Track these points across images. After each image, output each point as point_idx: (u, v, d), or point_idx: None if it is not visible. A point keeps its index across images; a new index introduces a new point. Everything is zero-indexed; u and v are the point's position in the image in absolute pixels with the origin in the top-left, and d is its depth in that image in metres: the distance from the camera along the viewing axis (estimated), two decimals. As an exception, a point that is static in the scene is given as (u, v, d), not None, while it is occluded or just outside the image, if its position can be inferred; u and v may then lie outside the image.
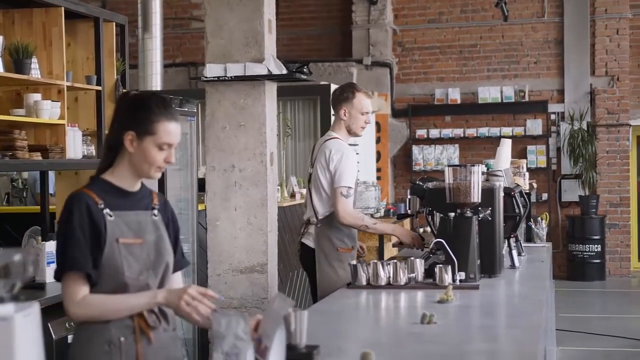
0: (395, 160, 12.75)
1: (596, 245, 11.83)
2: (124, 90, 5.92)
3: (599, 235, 11.87)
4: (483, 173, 4.79)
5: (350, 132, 5.05)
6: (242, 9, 4.94)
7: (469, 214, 4.19)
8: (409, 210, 5.10)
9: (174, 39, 13.01)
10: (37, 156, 5.11)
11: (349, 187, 4.86)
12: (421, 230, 5.45)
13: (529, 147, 12.24)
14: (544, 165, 12.24)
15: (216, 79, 4.91)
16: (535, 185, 9.23)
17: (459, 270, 4.06)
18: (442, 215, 4.33)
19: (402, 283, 4.04)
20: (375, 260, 4.12)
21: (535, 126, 12.23)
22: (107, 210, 2.72)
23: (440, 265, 4.04)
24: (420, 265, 4.14)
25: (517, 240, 5.05)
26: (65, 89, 5.40)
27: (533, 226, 6.28)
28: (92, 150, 5.68)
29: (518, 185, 5.57)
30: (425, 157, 12.53)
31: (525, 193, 5.62)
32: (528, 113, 12.33)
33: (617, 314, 9.72)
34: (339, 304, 3.81)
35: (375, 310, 3.86)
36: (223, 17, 4.95)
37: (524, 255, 5.23)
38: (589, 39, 12.23)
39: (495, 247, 4.38)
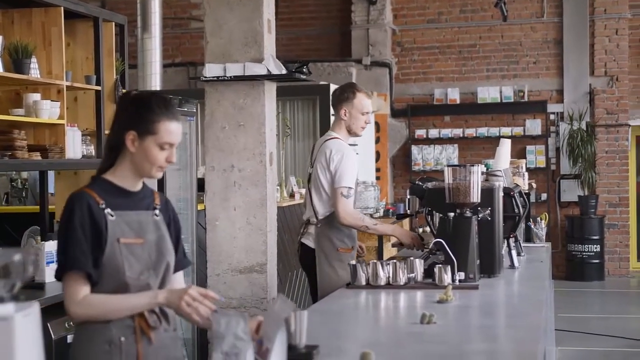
0: (394, 160, 12.75)
1: (595, 246, 11.83)
2: (124, 91, 5.93)
3: (598, 235, 11.87)
4: (482, 173, 4.79)
5: (351, 132, 5.05)
6: (241, 8, 4.94)
7: (468, 214, 4.19)
8: (408, 210, 5.09)
9: (173, 39, 13.01)
10: (37, 156, 5.11)
11: (349, 188, 4.86)
12: (420, 230, 5.45)
13: (528, 147, 12.24)
14: (543, 165, 12.24)
15: (215, 78, 4.91)
16: (534, 185, 9.23)
17: (458, 270, 4.06)
18: (441, 215, 4.33)
19: (402, 283, 4.04)
20: (375, 260, 4.12)
21: (534, 126, 12.23)
22: (108, 210, 2.72)
23: (440, 265, 4.04)
24: (419, 265, 4.14)
25: (516, 240, 5.05)
26: (65, 89, 5.40)
27: (532, 226, 6.28)
28: (92, 150, 5.68)
29: (517, 185, 5.57)
30: (424, 157, 12.53)
31: (525, 193, 5.62)
32: (527, 113, 12.33)
33: (616, 314, 9.72)
34: (339, 304, 3.81)
35: (374, 310, 3.86)
36: (222, 17, 4.95)
37: (524, 255, 5.23)
38: (588, 39, 12.24)
39: (495, 247, 4.38)
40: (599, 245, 11.85)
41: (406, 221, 9.62)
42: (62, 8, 5.38)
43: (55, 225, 5.55)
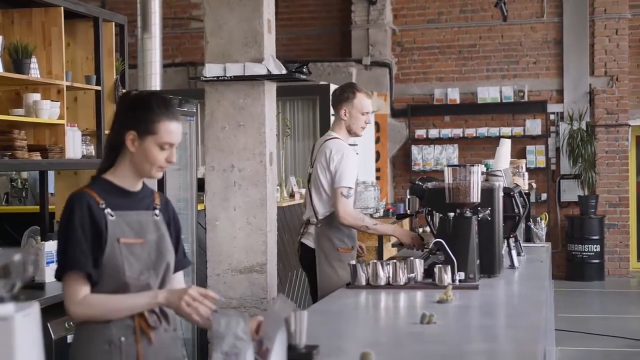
0: (394, 160, 12.75)
1: (595, 246, 11.83)
2: (124, 91, 5.93)
3: (598, 235, 11.87)
4: (482, 173, 4.79)
5: (351, 132, 5.05)
6: (241, 8, 4.94)
7: (468, 214, 4.19)
8: (408, 210, 5.09)
9: (173, 39, 13.01)
10: (37, 156, 5.11)
11: (349, 188, 4.86)
12: (420, 230, 5.45)
13: (528, 147, 12.24)
14: (543, 165, 12.24)
15: (215, 78, 4.91)
16: (534, 185, 9.23)
17: (458, 270, 4.06)
18: (441, 215, 4.33)
19: (402, 283, 4.04)
20: (375, 260, 4.12)
21: (534, 126, 12.23)
22: (108, 210, 2.72)
23: (440, 265, 4.04)
24: (419, 265, 4.14)
25: (516, 240, 5.05)
26: (65, 89, 5.40)
27: (532, 226, 6.28)
28: (92, 150, 5.68)
29: (517, 185, 5.57)
30: (424, 157, 12.53)
31: (525, 193, 5.62)
32: (527, 113, 12.33)
33: (616, 314, 9.72)
34: (339, 304, 3.81)
35: (374, 310, 3.86)
36: (222, 17, 4.95)
37: (524, 255, 5.23)
38: (588, 39, 12.24)
39: (495, 247, 4.38)
40: (599, 245, 11.85)
41: (406, 221, 9.62)
42: (62, 8, 5.38)
43: (55, 225, 5.55)
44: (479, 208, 4.26)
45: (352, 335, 3.23)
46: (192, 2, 13.15)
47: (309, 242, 5.00)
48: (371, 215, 8.51)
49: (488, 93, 12.37)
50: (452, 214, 4.19)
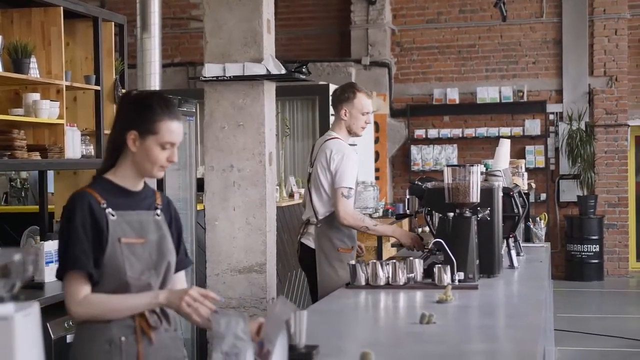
0: (393, 160, 12.75)
1: (594, 246, 11.84)
2: (123, 91, 5.93)
3: (597, 235, 11.88)
4: (482, 173, 4.79)
5: (351, 132, 5.03)
6: (241, 8, 4.94)
7: (467, 214, 4.19)
8: (407, 210, 5.09)
9: (173, 39, 13.01)
10: (36, 156, 5.11)
11: (349, 188, 4.84)
12: (419, 230, 5.45)
13: (528, 147, 12.25)
14: (542, 165, 12.24)
15: (215, 78, 4.91)
16: (533, 185, 9.24)
17: (457, 270, 4.06)
18: (441, 215, 4.32)
19: (401, 283, 4.04)
20: (374, 260, 4.12)
21: (533, 126, 12.23)
22: (109, 210, 2.72)
23: (439, 265, 4.04)
24: (419, 265, 4.14)
25: (515, 240, 5.05)
26: (64, 89, 5.40)
27: (532, 226, 6.28)
28: (91, 150, 5.68)
29: (517, 185, 5.57)
30: (423, 157, 12.53)
31: (524, 193, 5.62)
32: (526, 113, 12.34)
33: (615, 314, 9.72)
34: (338, 304, 3.81)
35: (374, 310, 3.86)
36: (222, 17, 4.95)
37: (523, 256, 5.23)
38: (587, 39, 12.24)
39: (494, 247, 4.38)
40: (598, 245, 11.86)
41: (405, 221, 9.63)
42: (62, 8, 5.38)
43: (55, 225, 5.55)
44: (479, 208, 4.26)
45: (352, 335, 3.23)
46: (192, 2, 13.14)
47: (309, 242, 4.98)
48: (370, 216, 8.51)
49: (487, 93, 12.37)
50: (451, 214, 4.19)
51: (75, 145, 5.45)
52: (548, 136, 12.28)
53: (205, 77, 4.93)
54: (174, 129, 2.75)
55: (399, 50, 12.75)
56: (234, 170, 4.98)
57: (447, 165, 4.27)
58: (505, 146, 5.67)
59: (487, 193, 4.34)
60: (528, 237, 6.30)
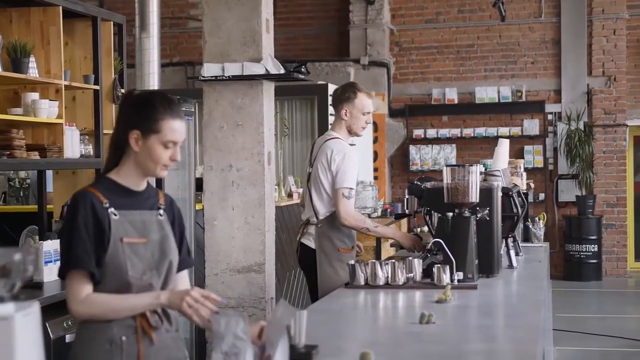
0: (392, 160, 12.75)
1: (593, 246, 11.84)
2: (122, 90, 5.93)
3: (595, 235, 11.88)
4: (481, 173, 4.79)
5: (351, 132, 5.01)
6: (239, 8, 4.94)
7: (467, 213, 4.19)
8: (406, 210, 5.09)
9: (171, 39, 13.00)
10: (35, 155, 5.11)
11: (350, 188, 4.82)
12: (418, 230, 5.45)
13: (526, 147, 12.25)
14: (540, 165, 12.25)
15: (214, 78, 4.91)
16: (532, 185, 9.25)
17: (457, 270, 4.06)
18: (440, 215, 4.32)
19: (400, 283, 4.04)
20: (374, 260, 4.12)
21: (532, 126, 12.24)
22: (111, 210, 2.72)
23: (439, 265, 4.04)
24: (418, 265, 4.14)
25: (514, 240, 5.06)
26: (63, 88, 5.40)
27: (530, 226, 6.29)
28: (90, 149, 5.67)
29: (516, 185, 5.57)
30: (422, 157, 12.53)
31: (523, 193, 5.63)
32: (525, 113, 12.34)
33: (613, 314, 9.73)
34: (338, 303, 3.81)
35: (373, 310, 3.86)
36: (221, 17, 4.95)
37: (522, 255, 5.23)
38: (586, 39, 12.25)
39: (493, 247, 4.38)
40: (596, 245, 11.87)
41: (404, 221, 9.62)
42: (61, 7, 5.37)
43: (54, 224, 5.55)
44: (478, 208, 4.26)
45: (352, 335, 3.23)
46: (190, 2, 13.14)
47: (309, 242, 4.96)
48: (369, 215, 8.51)
49: (486, 93, 12.38)
50: (450, 214, 4.19)
51: (74, 145, 5.45)
52: (547, 136, 12.28)
53: (204, 76, 4.93)
54: (176, 128, 2.75)
55: (398, 50, 12.75)
56: (233, 169, 4.98)
57: (447, 165, 4.27)
58: (504, 146, 5.67)
59: (486, 193, 4.34)
60: (527, 237, 6.31)
